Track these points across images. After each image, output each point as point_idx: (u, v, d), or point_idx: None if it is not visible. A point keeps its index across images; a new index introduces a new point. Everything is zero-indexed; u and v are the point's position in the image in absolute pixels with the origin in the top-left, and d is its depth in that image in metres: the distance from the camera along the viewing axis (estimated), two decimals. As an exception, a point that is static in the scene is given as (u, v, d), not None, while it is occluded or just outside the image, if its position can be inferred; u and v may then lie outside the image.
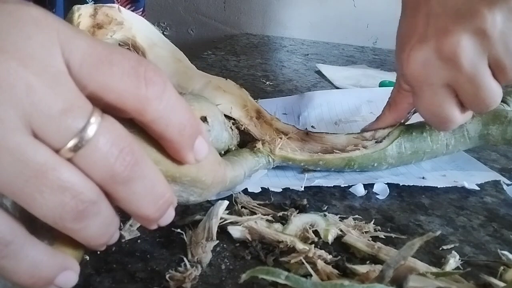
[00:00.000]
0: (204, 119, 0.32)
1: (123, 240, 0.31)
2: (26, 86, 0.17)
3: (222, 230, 0.33)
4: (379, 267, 0.27)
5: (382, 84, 0.66)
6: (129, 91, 0.20)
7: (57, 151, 0.18)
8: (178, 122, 0.21)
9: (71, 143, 0.18)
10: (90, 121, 0.18)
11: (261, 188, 0.38)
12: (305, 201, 0.36)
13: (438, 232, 0.28)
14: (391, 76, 0.72)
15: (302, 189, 0.38)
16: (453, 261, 0.30)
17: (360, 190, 0.39)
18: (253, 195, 0.37)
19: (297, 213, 0.35)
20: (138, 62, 0.20)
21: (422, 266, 0.28)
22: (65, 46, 0.19)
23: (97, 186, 0.19)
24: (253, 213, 0.35)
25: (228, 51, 0.88)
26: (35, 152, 0.18)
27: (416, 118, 0.45)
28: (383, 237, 0.33)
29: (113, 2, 0.30)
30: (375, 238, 0.33)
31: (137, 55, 0.21)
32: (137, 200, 0.20)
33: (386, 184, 0.40)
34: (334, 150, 0.41)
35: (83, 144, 0.18)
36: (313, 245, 0.30)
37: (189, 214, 0.34)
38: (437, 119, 0.37)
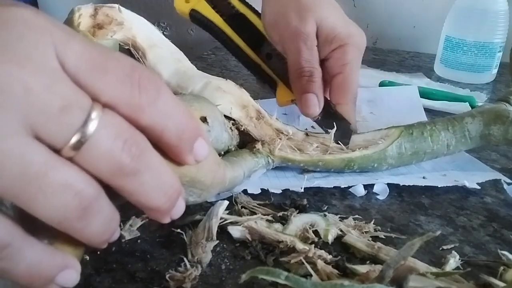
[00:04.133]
0: (204, 119, 0.31)
1: (123, 240, 0.31)
2: (23, 87, 0.17)
3: (222, 230, 0.33)
4: (379, 267, 0.27)
5: (382, 84, 0.66)
6: (122, 98, 0.19)
7: (59, 150, 0.18)
8: (175, 126, 0.21)
9: (73, 140, 0.18)
10: (90, 116, 0.18)
11: (261, 189, 0.38)
12: (305, 201, 0.36)
13: (438, 232, 0.28)
14: (391, 76, 0.72)
15: (302, 190, 0.38)
16: (453, 261, 0.30)
17: (360, 190, 0.39)
18: (253, 195, 0.37)
19: (297, 213, 0.35)
20: (133, 69, 0.20)
21: (422, 266, 0.28)
22: (59, 48, 0.18)
23: (97, 183, 0.19)
24: (253, 213, 0.35)
25: (228, 51, 0.88)
26: (34, 154, 0.18)
27: (416, 119, 0.45)
28: (383, 237, 0.33)
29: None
30: (375, 238, 0.33)
31: (133, 61, 0.20)
32: (147, 191, 0.20)
33: (386, 184, 0.40)
34: (334, 151, 0.41)
35: (86, 139, 0.18)
36: (313, 245, 0.30)
37: (189, 214, 0.34)
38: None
